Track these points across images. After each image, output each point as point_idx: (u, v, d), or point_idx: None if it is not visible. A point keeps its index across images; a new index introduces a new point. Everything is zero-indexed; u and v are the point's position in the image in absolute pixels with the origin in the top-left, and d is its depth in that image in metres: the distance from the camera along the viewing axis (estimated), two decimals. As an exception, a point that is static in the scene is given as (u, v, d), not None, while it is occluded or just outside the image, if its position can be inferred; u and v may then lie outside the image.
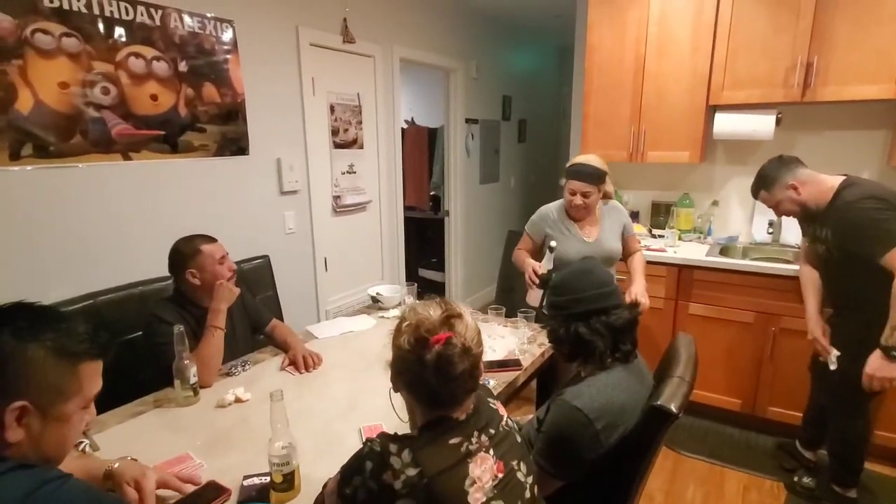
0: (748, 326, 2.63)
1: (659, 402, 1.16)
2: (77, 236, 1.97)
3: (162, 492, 1.16)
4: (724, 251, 2.90)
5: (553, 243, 2.08)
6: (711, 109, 2.85)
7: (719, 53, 2.71)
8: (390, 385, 1.04)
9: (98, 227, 2.03)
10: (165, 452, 1.33)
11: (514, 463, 1.02)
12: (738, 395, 2.73)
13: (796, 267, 2.35)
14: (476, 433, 0.98)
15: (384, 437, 0.95)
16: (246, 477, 1.22)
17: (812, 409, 2.38)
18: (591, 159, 2.18)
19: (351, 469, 0.95)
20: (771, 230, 2.96)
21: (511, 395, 1.77)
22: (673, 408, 1.14)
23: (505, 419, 1.08)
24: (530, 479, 1.05)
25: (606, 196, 2.28)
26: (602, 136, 3.08)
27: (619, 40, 2.95)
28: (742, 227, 3.13)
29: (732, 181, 3.12)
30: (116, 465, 1.13)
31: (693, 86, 2.80)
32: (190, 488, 1.19)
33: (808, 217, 2.01)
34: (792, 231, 2.91)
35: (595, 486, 1.26)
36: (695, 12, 2.74)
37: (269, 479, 1.17)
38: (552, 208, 2.32)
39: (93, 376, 0.86)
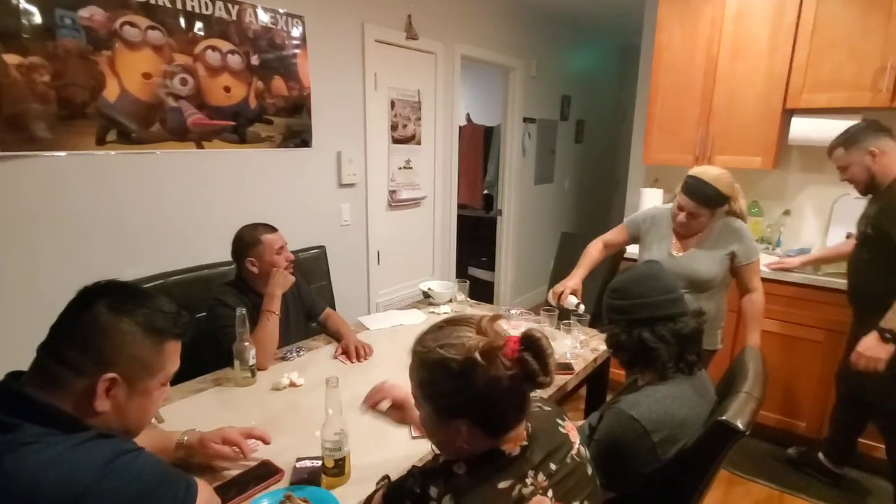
0: (818, 345, 2.48)
1: (724, 418, 1.10)
2: (151, 219, 2.09)
3: (220, 465, 1.22)
4: (795, 264, 2.73)
5: (582, 307, 1.98)
6: (787, 113, 2.69)
7: (800, 55, 2.55)
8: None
9: (170, 211, 2.14)
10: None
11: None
12: (803, 416, 2.57)
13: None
14: (532, 472, 0.86)
15: (426, 475, 0.86)
16: (299, 459, 1.25)
17: (835, 429, 2.32)
18: (718, 179, 1.83)
19: (392, 500, 0.91)
20: (848, 244, 2.77)
21: (560, 400, 1.74)
22: (739, 424, 1.08)
23: (576, 447, 0.96)
24: None
25: (733, 214, 1.97)
26: (666, 139, 2.98)
27: (690, 39, 2.83)
28: (816, 238, 2.93)
29: (807, 190, 2.94)
30: (186, 438, 1.19)
31: (769, 88, 2.65)
32: (250, 452, 1.23)
33: (868, 191, 2.02)
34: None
35: (648, 501, 1.21)
36: (774, 12, 2.59)
37: (320, 462, 1.20)
38: (665, 210, 2.08)
39: (174, 355, 0.90)
